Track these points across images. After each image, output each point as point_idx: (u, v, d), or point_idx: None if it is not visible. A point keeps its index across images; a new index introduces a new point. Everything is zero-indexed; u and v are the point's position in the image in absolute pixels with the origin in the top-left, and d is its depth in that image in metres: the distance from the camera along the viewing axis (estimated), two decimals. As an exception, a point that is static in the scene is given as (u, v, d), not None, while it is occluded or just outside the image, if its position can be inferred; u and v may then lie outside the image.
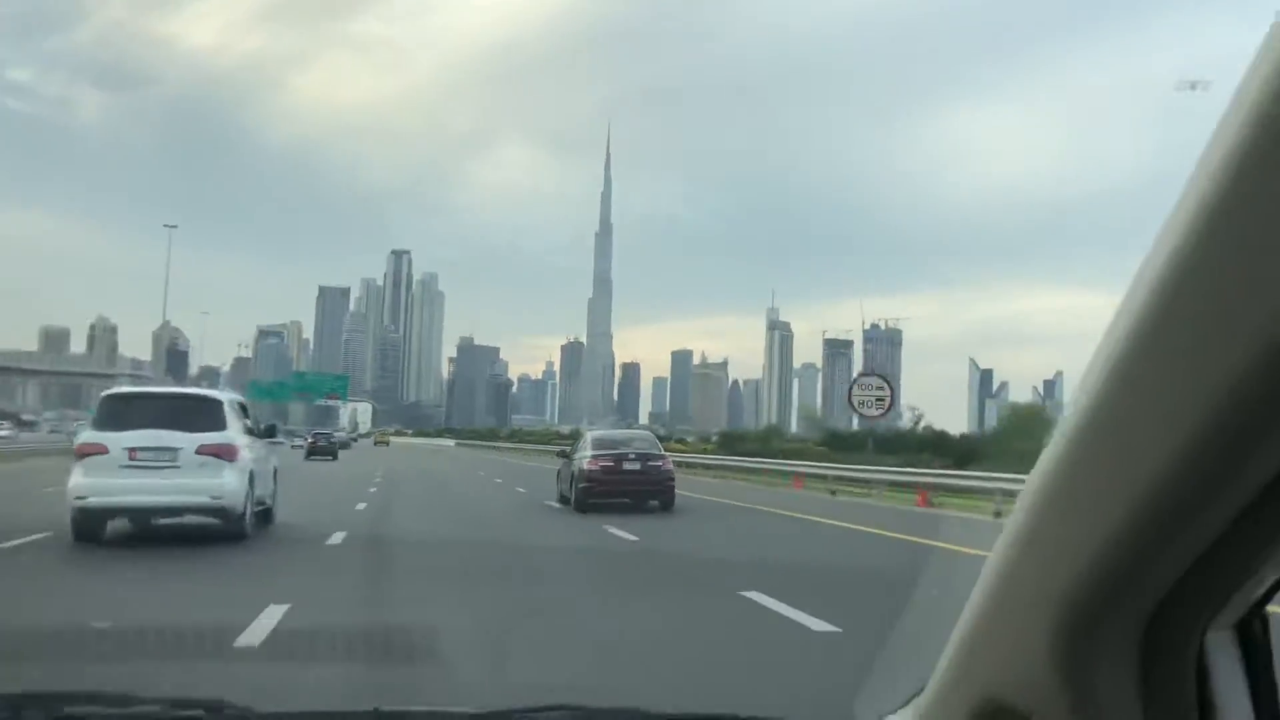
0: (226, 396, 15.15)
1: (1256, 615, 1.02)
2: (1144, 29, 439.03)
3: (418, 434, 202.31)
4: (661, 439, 33.62)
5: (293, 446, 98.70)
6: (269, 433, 18.22)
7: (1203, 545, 0.93)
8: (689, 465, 45.86)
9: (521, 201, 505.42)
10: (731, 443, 73.97)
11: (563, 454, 27.28)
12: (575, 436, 30.09)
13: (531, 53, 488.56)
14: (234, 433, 14.30)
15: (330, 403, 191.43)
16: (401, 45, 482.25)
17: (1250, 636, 1.03)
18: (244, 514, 14.43)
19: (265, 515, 16.93)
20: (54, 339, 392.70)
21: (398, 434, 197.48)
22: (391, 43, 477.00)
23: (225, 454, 13.91)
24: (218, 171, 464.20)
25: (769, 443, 67.09)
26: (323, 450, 70.98)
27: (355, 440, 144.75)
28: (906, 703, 1.52)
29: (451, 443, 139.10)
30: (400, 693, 5.98)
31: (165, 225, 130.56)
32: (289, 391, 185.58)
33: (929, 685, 1.37)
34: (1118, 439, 0.91)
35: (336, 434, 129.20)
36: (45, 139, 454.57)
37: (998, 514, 22.32)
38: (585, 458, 24.29)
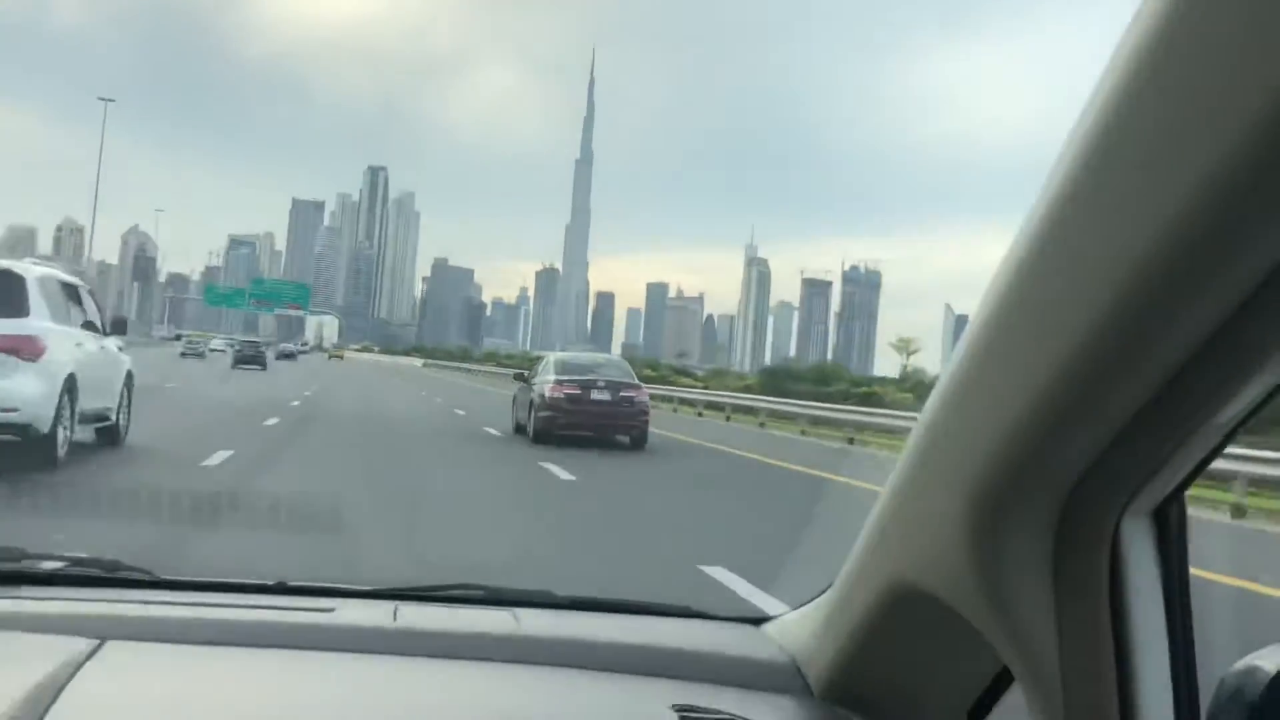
0: (37, 272, 11.41)
1: (1174, 502, 1.02)
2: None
3: (385, 351, 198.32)
4: (678, 373, 30.02)
5: (210, 350, 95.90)
6: (118, 328, 14.73)
7: (1114, 430, 0.92)
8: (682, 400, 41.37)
9: (502, 125, 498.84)
10: (779, 381, 63.84)
11: (520, 377, 23.85)
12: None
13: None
14: (40, 320, 10.75)
15: (290, 312, 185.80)
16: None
17: (1166, 523, 1.03)
18: (52, 432, 11.08)
19: (109, 434, 13.64)
20: (20, 238, 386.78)
21: (364, 350, 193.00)
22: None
23: (24, 350, 10.41)
24: (196, 78, 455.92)
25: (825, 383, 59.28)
26: (249, 359, 67.85)
27: (304, 352, 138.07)
28: (820, 593, 1.52)
29: (419, 362, 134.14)
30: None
31: (100, 98, 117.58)
32: (245, 299, 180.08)
33: (842, 570, 1.36)
34: (1026, 323, 0.91)
35: (281, 345, 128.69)
36: (16, 35, 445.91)
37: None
38: (548, 383, 21.10)
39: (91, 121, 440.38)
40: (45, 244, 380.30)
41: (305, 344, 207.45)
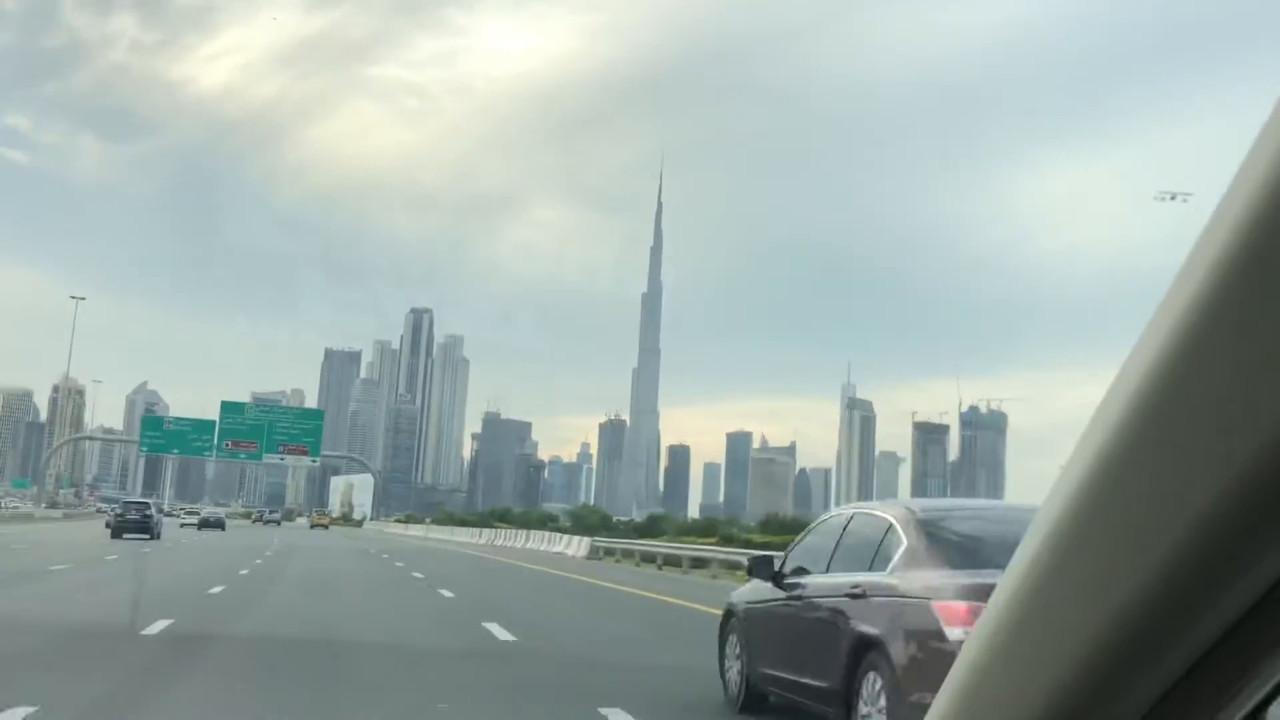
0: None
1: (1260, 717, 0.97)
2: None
3: (406, 519, 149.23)
4: None
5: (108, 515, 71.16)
6: None
7: (1191, 658, 0.89)
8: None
9: (558, 261, 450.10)
10: None
11: (763, 567, 9.72)
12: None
13: (574, 102, 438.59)
14: None
15: (286, 460, 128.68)
16: (428, 93, 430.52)
17: None
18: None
19: None
20: (16, 401, 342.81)
21: (408, 521, 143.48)
22: (417, 90, 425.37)
23: None
24: (217, 225, 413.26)
25: None
26: (133, 527, 51.98)
27: (272, 521, 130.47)
28: None
29: (464, 535, 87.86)
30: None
31: (72, 297, 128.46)
32: (198, 444, 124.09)
33: None
34: (1094, 550, 0.87)
35: (206, 510, 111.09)
36: (41, 190, 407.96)
37: None
38: (939, 587, 7.27)
39: (98, 280, 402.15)
40: (42, 405, 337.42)
41: (275, 511, 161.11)
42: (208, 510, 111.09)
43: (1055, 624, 0.93)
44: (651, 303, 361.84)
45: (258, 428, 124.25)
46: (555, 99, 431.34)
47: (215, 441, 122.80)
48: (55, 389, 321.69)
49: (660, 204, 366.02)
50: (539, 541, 63.68)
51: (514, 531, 75.97)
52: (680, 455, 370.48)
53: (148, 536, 50.49)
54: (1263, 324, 0.71)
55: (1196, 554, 0.80)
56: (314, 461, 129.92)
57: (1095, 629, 0.89)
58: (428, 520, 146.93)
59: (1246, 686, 0.92)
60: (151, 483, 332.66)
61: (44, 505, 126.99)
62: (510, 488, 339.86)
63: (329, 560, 40.16)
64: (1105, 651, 0.90)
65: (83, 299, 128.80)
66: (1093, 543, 0.87)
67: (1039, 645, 0.96)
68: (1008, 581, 0.97)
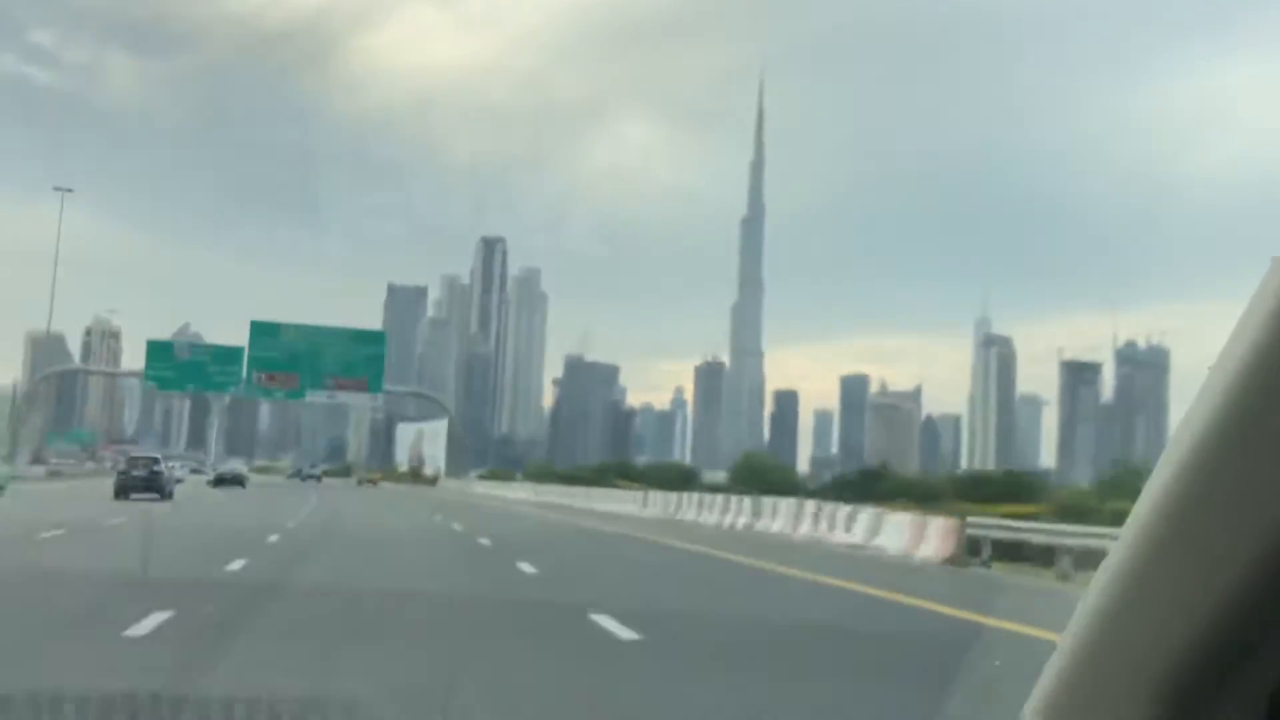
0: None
1: None
2: None
3: (490, 475, 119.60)
4: None
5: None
6: None
7: None
8: None
9: (645, 182, 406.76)
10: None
11: None
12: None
13: (660, 1, 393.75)
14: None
15: (338, 397, 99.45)
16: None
17: None
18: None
19: None
20: (47, 346, 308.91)
21: (492, 477, 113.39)
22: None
23: None
24: (267, 154, 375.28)
25: None
26: (140, 485, 47.11)
27: (312, 476, 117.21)
28: None
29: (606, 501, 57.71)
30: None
31: (55, 188, 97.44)
32: (220, 377, 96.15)
33: None
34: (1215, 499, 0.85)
35: (225, 466, 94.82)
36: (67, 113, 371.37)
37: None
38: None
39: (133, 216, 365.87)
40: (75, 351, 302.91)
41: (315, 466, 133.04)
42: (227, 466, 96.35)
43: (1173, 589, 0.90)
44: (752, 228, 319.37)
45: (298, 355, 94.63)
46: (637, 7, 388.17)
47: (245, 374, 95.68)
48: (88, 331, 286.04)
49: (761, 113, 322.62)
50: (829, 523, 31.18)
51: (712, 498, 43.29)
52: (787, 401, 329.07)
53: (157, 496, 46.21)
54: None
55: None
56: (374, 398, 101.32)
57: (1218, 591, 0.86)
58: (518, 475, 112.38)
59: None
60: (198, 437, 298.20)
61: (29, 462, 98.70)
62: (596, 439, 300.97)
63: (382, 554, 22.39)
64: (1232, 610, 0.87)
65: (69, 190, 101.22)
66: (1199, 515, 0.84)
67: (1158, 610, 0.92)
68: (1149, 498, 0.93)
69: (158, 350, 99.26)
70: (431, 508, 47.60)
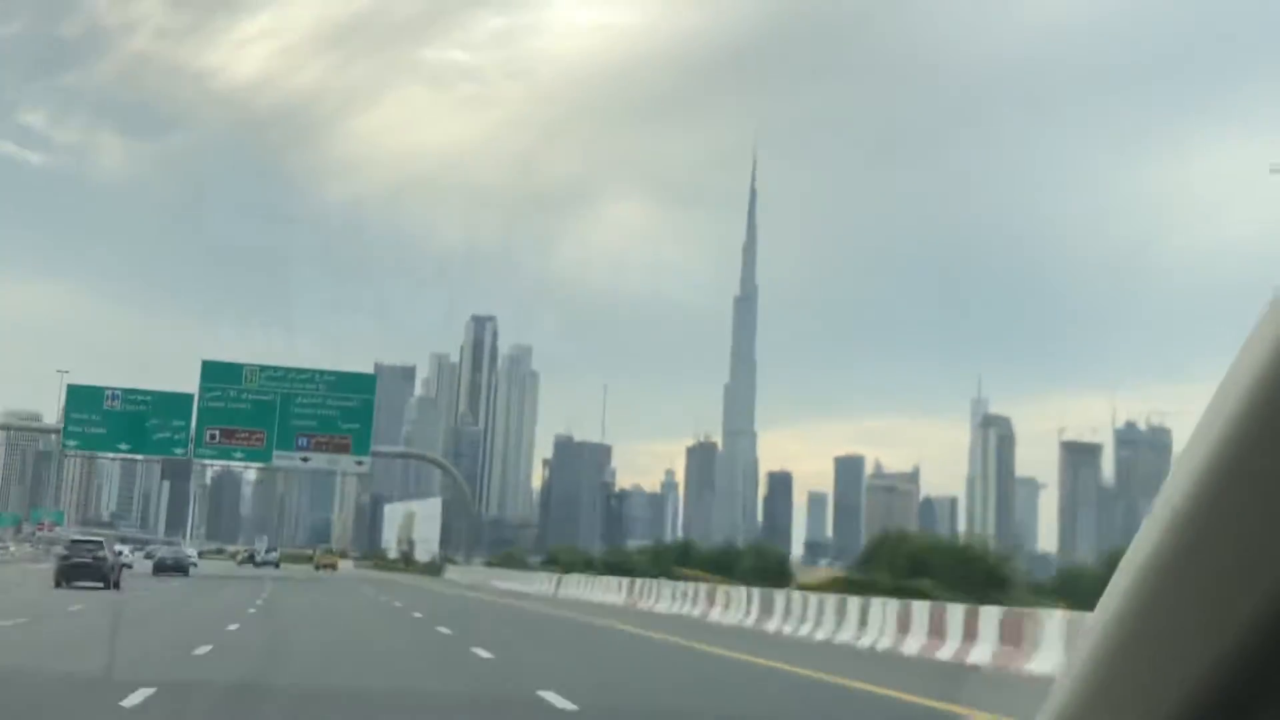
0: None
1: None
2: None
3: (503, 561, 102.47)
4: None
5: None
6: None
7: None
8: None
9: (637, 262, 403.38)
10: None
11: None
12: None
13: (650, 83, 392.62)
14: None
15: (310, 460, 77.09)
16: (487, 76, 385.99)
17: None
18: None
19: None
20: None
21: (506, 561, 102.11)
22: (475, 74, 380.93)
23: None
24: (256, 233, 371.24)
25: None
26: (83, 573, 44.20)
27: (268, 563, 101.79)
28: None
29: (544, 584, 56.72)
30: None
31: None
32: (161, 436, 75.66)
33: None
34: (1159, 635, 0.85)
35: (166, 550, 79.02)
36: (59, 193, 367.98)
37: None
38: None
39: (119, 291, 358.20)
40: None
41: (272, 550, 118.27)
42: (169, 550, 80.00)
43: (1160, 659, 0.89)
44: (746, 307, 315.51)
45: (264, 406, 74.63)
46: (629, 80, 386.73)
47: (194, 430, 74.82)
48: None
49: (754, 194, 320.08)
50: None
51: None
52: (781, 483, 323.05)
53: (101, 585, 42.82)
54: None
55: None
56: (360, 462, 77.55)
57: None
58: (532, 561, 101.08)
59: None
60: (179, 518, 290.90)
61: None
62: (587, 522, 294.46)
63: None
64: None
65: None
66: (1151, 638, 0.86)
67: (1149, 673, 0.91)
68: (1106, 610, 0.94)
69: (81, 398, 75.45)
70: (457, 629, 28.01)
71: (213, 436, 75.36)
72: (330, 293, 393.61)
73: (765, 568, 67.44)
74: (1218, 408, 0.85)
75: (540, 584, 60.77)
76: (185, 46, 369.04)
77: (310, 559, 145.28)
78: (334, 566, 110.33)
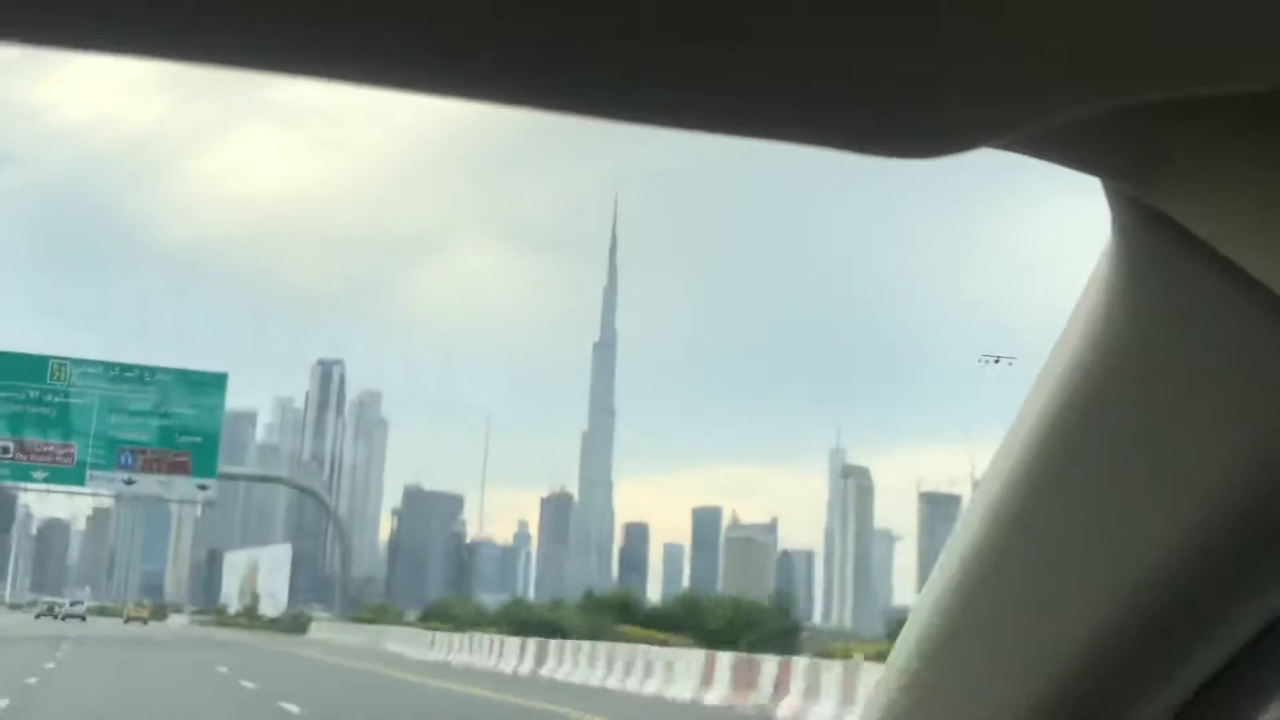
0: None
1: None
2: None
3: (370, 616, 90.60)
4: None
5: None
6: None
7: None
8: None
9: (491, 308, 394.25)
10: None
11: None
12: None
13: (513, 128, 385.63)
14: None
15: (135, 483, 60.00)
16: (342, 118, 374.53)
17: None
18: None
19: None
20: None
21: (373, 617, 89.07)
22: (327, 114, 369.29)
23: None
24: (90, 277, 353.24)
25: None
26: None
27: (74, 615, 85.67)
28: None
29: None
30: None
31: None
32: None
33: None
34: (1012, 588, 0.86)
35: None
36: None
37: None
38: None
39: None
40: None
41: (78, 604, 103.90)
42: None
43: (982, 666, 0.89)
44: (604, 354, 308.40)
45: (75, 412, 59.24)
46: (490, 125, 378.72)
47: None
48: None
49: (614, 240, 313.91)
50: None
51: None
52: (638, 534, 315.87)
53: None
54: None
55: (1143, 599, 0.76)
56: (204, 488, 62.71)
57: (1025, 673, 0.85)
58: (406, 613, 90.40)
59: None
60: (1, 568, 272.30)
61: None
62: (438, 575, 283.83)
63: None
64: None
65: None
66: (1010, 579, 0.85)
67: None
68: (924, 610, 0.93)
69: None
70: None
71: (4, 450, 57.85)
72: (170, 337, 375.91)
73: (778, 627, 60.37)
74: (1022, 429, 0.83)
75: (472, 653, 43.77)
76: (18, 79, 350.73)
77: (162, 615, 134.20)
78: (145, 620, 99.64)
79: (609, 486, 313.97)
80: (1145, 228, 0.62)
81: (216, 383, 64.07)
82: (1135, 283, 0.66)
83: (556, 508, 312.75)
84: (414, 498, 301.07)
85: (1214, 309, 0.61)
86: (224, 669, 31.47)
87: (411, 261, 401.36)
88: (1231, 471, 0.65)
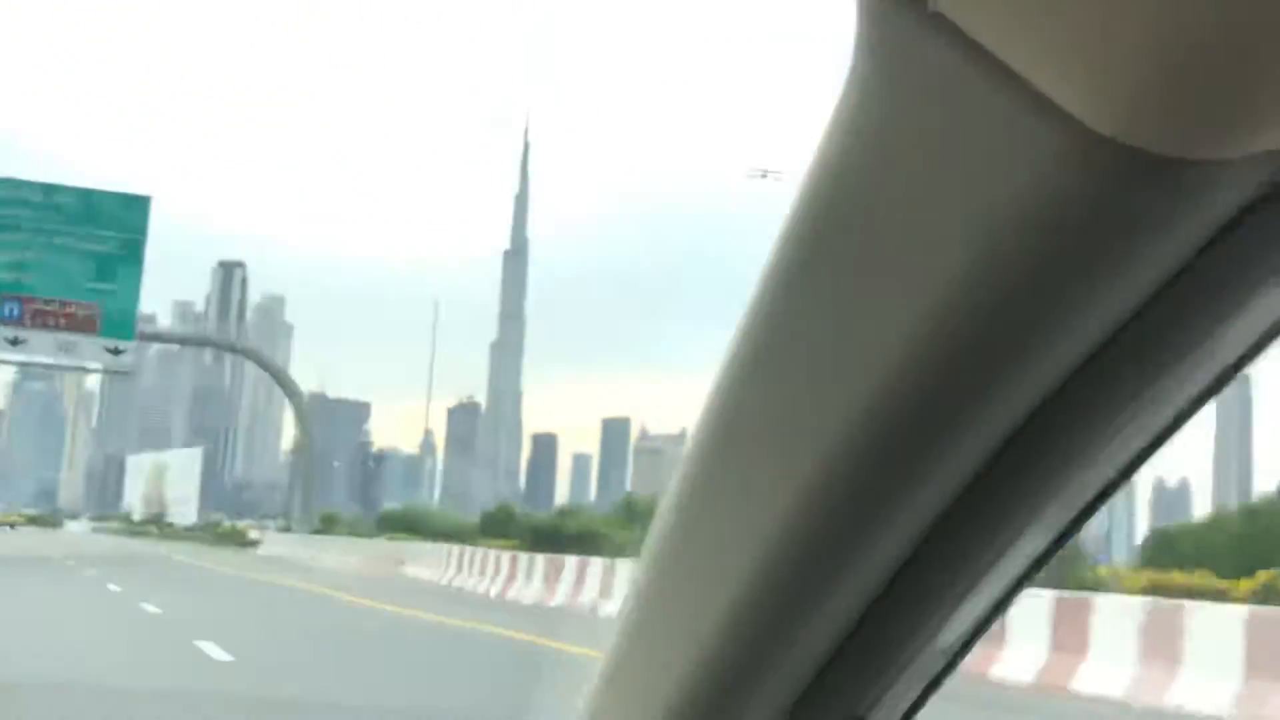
0: None
1: None
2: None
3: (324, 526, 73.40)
4: None
5: None
6: None
7: (819, 656, 0.85)
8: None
9: (401, 216, 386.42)
10: None
11: None
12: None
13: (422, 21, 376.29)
14: None
15: (26, 341, 45.35)
16: None
17: None
18: None
19: None
20: None
21: (328, 526, 71.23)
22: None
23: None
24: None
25: None
26: None
27: None
28: None
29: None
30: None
31: None
32: None
33: None
34: (701, 548, 0.84)
35: None
36: None
37: None
38: None
39: None
40: None
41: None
42: None
43: (677, 622, 0.89)
44: (516, 261, 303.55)
45: None
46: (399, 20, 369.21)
47: None
48: None
49: (527, 145, 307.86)
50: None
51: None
52: (546, 445, 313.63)
53: None
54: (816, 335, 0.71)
55: (789, 552, 0.77)
56: (117, 351, 48.68)
57: (710, 628, 0.85)
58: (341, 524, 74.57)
59: (886, 684, 0.88)
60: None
61: None
62: (342, 484, 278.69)
63: None
64: (723, 651, 0.85)
65: None
66: (699, 539, 0.84)
67: (664, 643, 0.91)
68: (639, 574, 0.93)
69: None
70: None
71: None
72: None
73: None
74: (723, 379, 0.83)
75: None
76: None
77: (56, 521, 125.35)
78: (13, 525, 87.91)
79: (518, 396, 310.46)
80: (895, 11, 0.59)
81: (135, 210, 49.74)
82: (884, 76, 0.62)
83: (464, 419, 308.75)
84: (320, 406, 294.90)
85: (973, 103, 0.58)
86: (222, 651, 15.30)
87: (314, 149, 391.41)
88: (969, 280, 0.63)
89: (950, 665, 0.90)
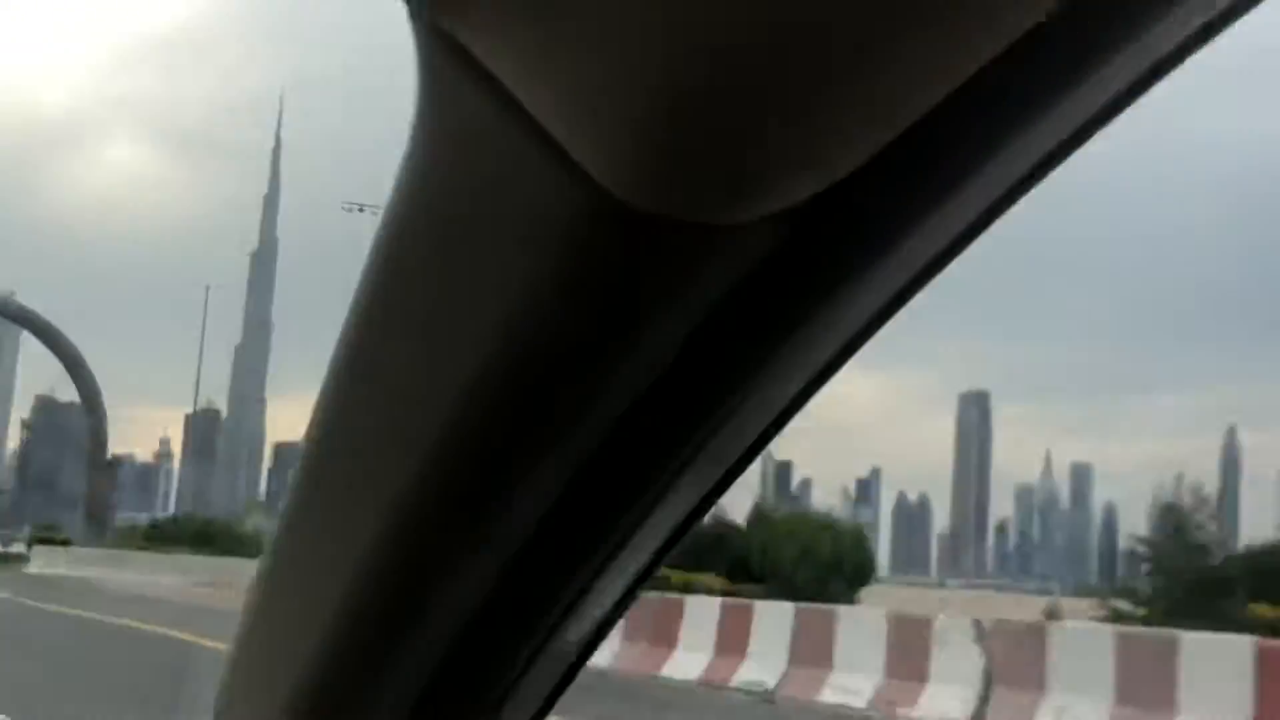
0: None
1: None
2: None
3: (42, 537, 58.57)
4: None
5: None
6: None
7: (437, 654, 0.84)
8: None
9: (140, 214, 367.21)
10: None
11: None
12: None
13: (172, 20, 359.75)
14: None
15: None
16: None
17: None
18: None
19: None
20: None
21: (45, 537, 55.21)
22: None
23: None
24: None
25: None
26: None
27: None
28: None
29: None
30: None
31: None
32: None
33: None
34: (311, 545, 0.84)
35: None
36: None
37: None
38: None
39: None
40: None
41: None
42: None
43: (296, 615, 0.88)
44: (263, 262, 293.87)
45: None
46: (148, 16, 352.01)
47: None
48: None
49: (279, 142, 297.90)
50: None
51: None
52: (289, 455, 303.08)
53: None
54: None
55: (393, 553, 0.77)
56: None
57: (326, 621, 0.83)
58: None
59: (514, 678, 0.88)
60: None
61: None
62: (70, 491, 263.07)
63: None
64: (338, 647, 0.84)
65: None
66: (312, 536, 0.84)
67: (285, 635, 0.90)
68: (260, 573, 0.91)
69: None
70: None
71: None
72: None
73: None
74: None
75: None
76: None
77: None
78: None
79: (262, 404, 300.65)
80: (435, 51, 0.57)
81: None
82: (428, 114, 0.63)
83: (203, 427, 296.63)
84: (48, 409, 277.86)
85: (491, 141, 0.59)
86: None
87: (47, 152, 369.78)
88: (502, 318, 0.65)
89: (581, 659, 0.90)
